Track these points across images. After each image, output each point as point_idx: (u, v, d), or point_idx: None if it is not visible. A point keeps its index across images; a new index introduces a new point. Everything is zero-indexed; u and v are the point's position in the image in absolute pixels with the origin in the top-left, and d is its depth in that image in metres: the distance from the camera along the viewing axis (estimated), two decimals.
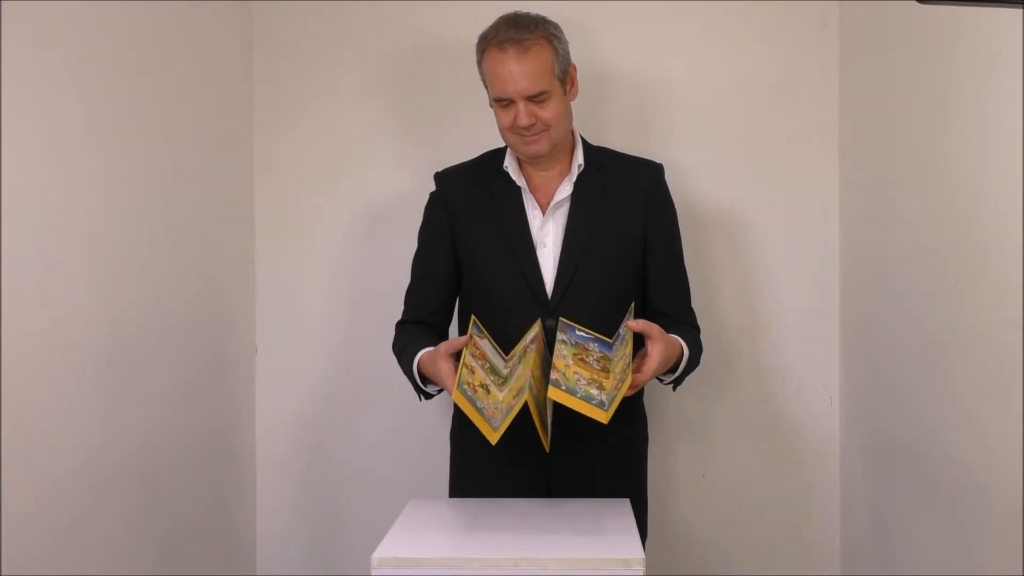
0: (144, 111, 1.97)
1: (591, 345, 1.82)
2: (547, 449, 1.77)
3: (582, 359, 1.76)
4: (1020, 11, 1.40)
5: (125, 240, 1.89)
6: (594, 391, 1.69)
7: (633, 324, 1.78)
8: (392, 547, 1.54)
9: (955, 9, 1.65)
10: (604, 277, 1.97)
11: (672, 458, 2.47)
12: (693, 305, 2.08)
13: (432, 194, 2.09)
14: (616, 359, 1.78)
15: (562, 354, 1.74)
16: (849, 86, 2.38)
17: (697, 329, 2.05)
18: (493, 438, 1.66)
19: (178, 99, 2.12)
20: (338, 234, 2.53)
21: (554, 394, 1.64)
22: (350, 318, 2.50)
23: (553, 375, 1.68)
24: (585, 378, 1.71)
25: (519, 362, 1.80)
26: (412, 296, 2.07)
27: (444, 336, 2.06)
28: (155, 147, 2.02)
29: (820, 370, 2.47)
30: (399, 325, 2.06)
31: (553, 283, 1.96)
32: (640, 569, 1.46)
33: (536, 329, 1.85)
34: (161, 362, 2.04)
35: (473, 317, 1.87)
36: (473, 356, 1.78)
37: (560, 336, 1.80)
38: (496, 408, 1.72)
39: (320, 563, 2.54)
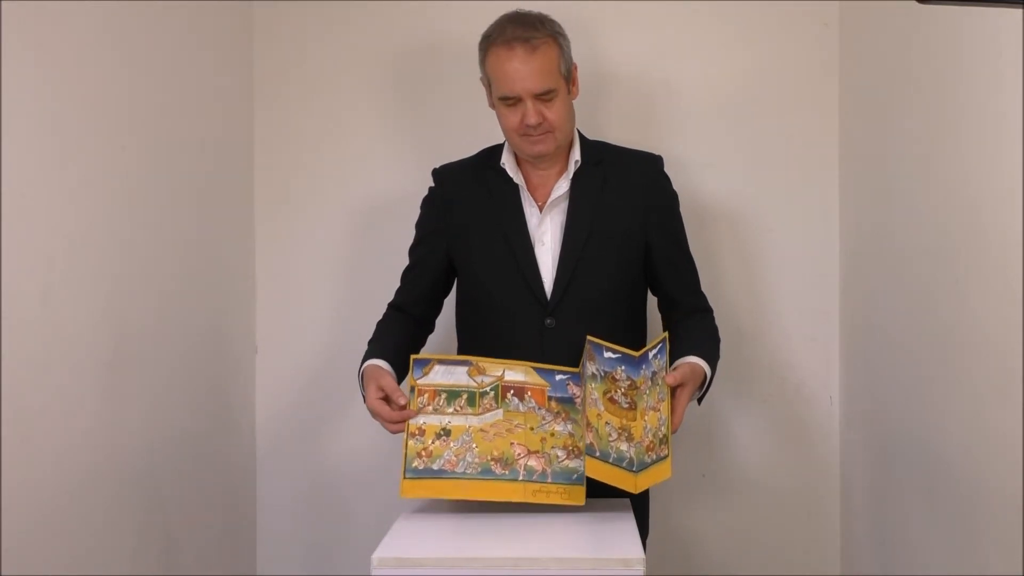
0: (144, 111, 1.97)
1: (619, 371, 1.78)
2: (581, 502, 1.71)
3: (612, 398, 1.74)
4: (1020, 11, 1.40)
5: (125, 240, 1.89)
6: (624, 446, 1.68)
7: (672, 380, 1.74)
8: (392, 547, 1.54)
9: (955, 9, 1.65)
10: (604, 275, 1.96)
11: (672, 458, 2.47)
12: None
13: (430, 189, 2.09)
14: (646, 400, 1.74)
15: (593, 398, 1.71)
16: (849, 86, 2.38)
17: (710, 311, 2.05)
18: (471, 492, 1.68)
19: (178, 99, 2.12)
20: (338, 234, 2.53)
21: (592, 469, 1.64)
22: (350, 318, 2.50)
23: (588, 438, 1.66)
24: (616, 428, 1.70)
25: (495, 401, 1.76)
26: (403, 281, 2.09)
27: (424, 325, 2.08)
28: (155, 147, 2.02)
29: (820, 370, 2.47)
30: (388, 306, 2.08)
31: (552, 282, 1.95)
32: (640, 569, 1.46)
33: (524, 373, 1.80)
34: (161, 362, 2.04)
35: (413, 357, 1.83)
36: (421, 410, 1.76)
37: (590, 367, 1.76)
38: (463, 447, 1.71)
39: (320, 563, 2.54)
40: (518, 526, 1.65)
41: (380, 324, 2.04)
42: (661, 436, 1.68)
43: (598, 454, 1.66)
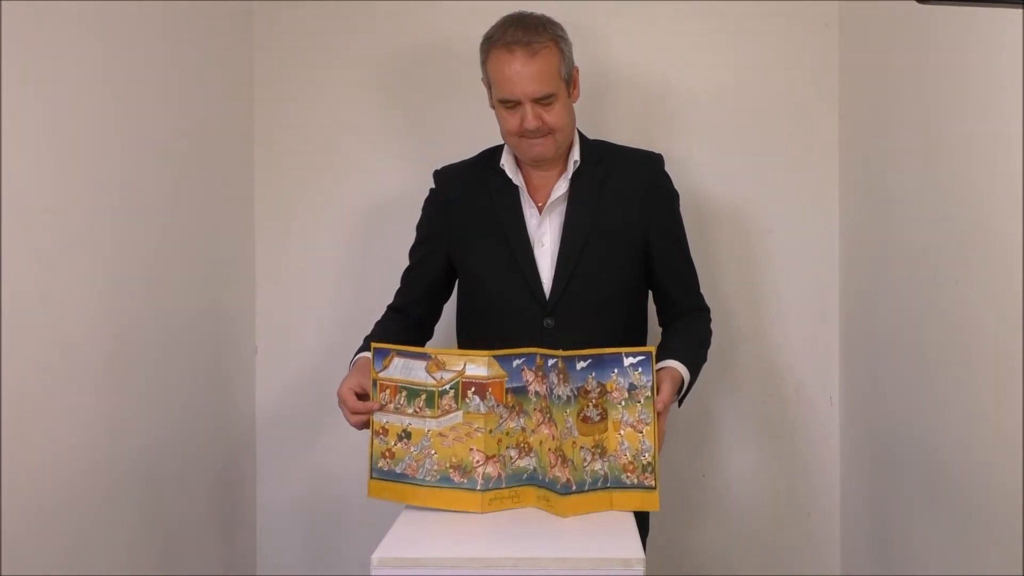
0: (144, 111, 1.97)
1: (590, 379, 1.69)
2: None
3: (585, 416, 1.69)
4: (1020, 11, 1.40)
5: (125, 241, 1.89)
6: (598, 465, 1.68)
7: (660, 407, 1.71)
8: (392, 547, 1.54)
9: (955, 9, 1.65)
10: (604, 275, 1.96)
11: (672, 458, 2.47)
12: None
13: (431, 191, 2.09)
14: (622, 413, 1.70)
15: (568, 426, 1.68)
16: (849, 86, 2.38)
17: (706, 310, 2.05)
18: (431, 500, 1.69)
19: (178, 99, 2.13)
20: (338, 234, 2.53)
21: (572, 507, 1.65)
22: (350, 318, 2.50)
23: (563, 474, 1.66)
24: (589, 448, 1.68)
25: (455, 400, 1.72)
26: (403, 281, 2.09)
27: (423, 328, 2.08)
28: (155, 147, 2.02)
29: (820, 370, 2.47)
30: (387, 308, 2.08)
31: (551, 282, 1.95)
32: (640, 569, 1.46)
33: (486, 365, 1.73)
34: (161, 362, 2.04)
35: (373, 345, 1.78)
36: (382, 408, 1.74)
37: (564, 392, 1.69)
38: (422, 453, 1.71)
39: (320, 563, 2.54)
40: (518, 526, 1.65)
41: (378, 323, 2.04)
42: (645, 463, 1.67)
43: (574, 488, 1.66)
